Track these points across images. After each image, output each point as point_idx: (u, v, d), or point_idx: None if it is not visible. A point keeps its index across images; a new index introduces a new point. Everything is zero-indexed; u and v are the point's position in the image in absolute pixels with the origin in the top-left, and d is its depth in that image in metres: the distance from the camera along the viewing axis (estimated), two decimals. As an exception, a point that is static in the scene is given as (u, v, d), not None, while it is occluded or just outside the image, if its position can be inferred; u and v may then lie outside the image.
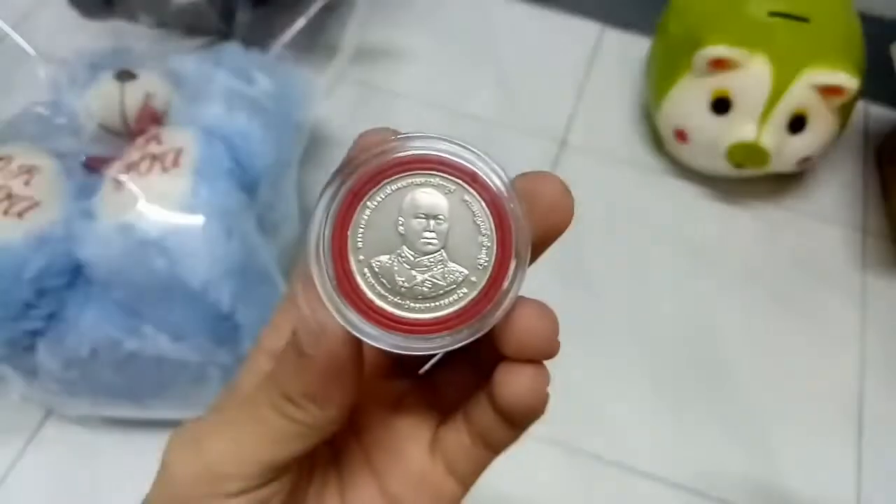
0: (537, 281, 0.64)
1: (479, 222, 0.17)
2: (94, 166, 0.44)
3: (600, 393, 0.52)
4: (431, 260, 0.17)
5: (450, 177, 0.17)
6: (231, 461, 0.17)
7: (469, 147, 0.17)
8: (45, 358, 0.41)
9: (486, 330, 0.17)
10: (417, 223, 0.16)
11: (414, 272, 0.16)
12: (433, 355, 0.20)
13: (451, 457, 0.20)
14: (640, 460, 0.49)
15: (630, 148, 0.65)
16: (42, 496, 0.46)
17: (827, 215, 0.63)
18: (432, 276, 0.17)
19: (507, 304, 0.17)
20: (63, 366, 0.41)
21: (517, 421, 0.19)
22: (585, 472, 0.49)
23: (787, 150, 0.57)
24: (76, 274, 0.41)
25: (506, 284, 0.17)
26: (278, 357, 0.18)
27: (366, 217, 0.16)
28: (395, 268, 0.16)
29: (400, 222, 0.16)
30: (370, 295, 0.16)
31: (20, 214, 0.40)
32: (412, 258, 0.17)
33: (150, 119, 0.46)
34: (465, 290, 0.17)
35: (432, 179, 0.17)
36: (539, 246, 0.18)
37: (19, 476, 0.46)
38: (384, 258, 0.16)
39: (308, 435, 0.18)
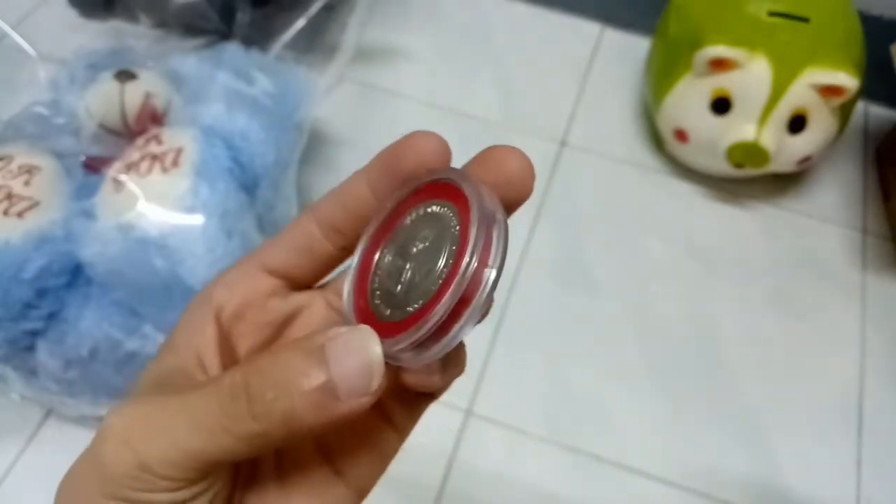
0: (537, 280, 0.63)
1: (453, 224, 0.17)
2: (94, 166, 0.44)
3: (601, 393, 0.52)
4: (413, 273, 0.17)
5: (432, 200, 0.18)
6: (162, 454, 0.16)
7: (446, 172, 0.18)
8: (45, 358, 0.41)
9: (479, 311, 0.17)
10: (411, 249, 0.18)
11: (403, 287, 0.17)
12: None
13: (386, 404, 0.19)
14: (640, 460, 0.49)
15: (630, 148, 0.65)
16: (42, 496, 0.46)
17: (827, 215, 0.63)
18: (420, 288, 0.17)
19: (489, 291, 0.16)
20: (63, 366, 0.41)
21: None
22: (585, 472, 0.49)
23: (787, 150, 0.57)
24: (76, 274, 0.41)
25: (485, 275, 0.16)
26: (272, 363, 0.16)
27: (376, 264, 0.18)
28: (396, 294, 0.17)
29: (399, 256, 0.18)
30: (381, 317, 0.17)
31: (20, 214, 0.40)
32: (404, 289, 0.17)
33: (150, 119, 0.46)
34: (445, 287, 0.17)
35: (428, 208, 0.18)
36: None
37: (19, 476, 0.46)
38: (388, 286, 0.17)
39: (256, 448, 0.16)
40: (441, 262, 0.17)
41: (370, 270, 0.18)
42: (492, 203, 0.17)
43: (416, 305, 0.17)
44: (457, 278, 0.16)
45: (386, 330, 0.16)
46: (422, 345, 0.16)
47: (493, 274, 0.16)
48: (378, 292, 0.18)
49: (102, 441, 0.17)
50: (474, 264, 0.16)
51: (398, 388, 0.19)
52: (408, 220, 0.18)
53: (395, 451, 0.19)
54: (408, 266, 0.17)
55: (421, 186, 0.18)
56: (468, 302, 0.16)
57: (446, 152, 0.18)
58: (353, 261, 0.18)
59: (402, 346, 0.16)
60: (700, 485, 0.49)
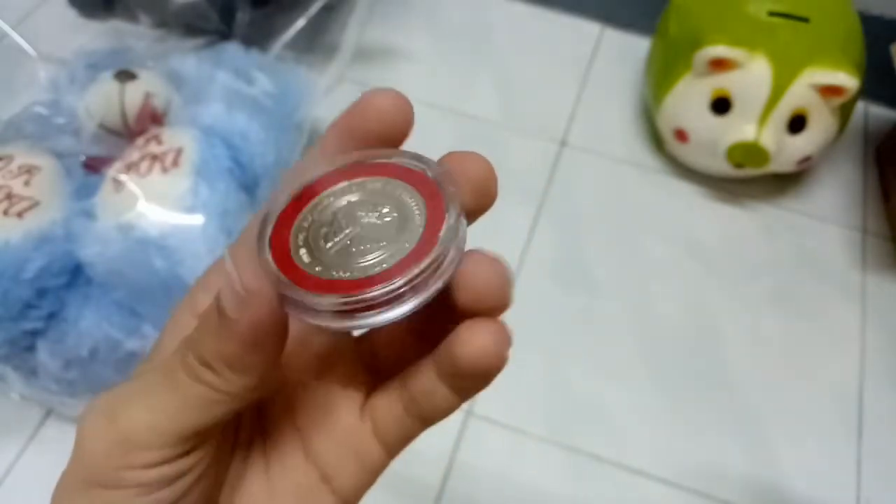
0: (537, 280, 0.63)
1: (408, 199, 0.18)
2: (94, 166, 0.44)
3: (600, 393, 0.52)
4: (367, 239, 0.17)
5: (378, 176, 0.18)
6: (145, 430, 0.16)
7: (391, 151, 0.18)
8: (45, 358, 0.41)
9: (433, 288, 0.17)
10: (349, 216, 0.18)
11: (353, 249, 0.17)
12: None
13: (380, 423, 0.19)
14: (639, 460, 0.49)
15: (630, 148, 0.65)
16: (42, 496, 0.46)
17: (827, 215, 0.63)
18: (370, 250, 0.17)
19: (452, 256, 0.17)
20: (63, 366, 0.41)
21: (468, 384, 0.18)
22: (585, 472, 0.49)
23: (787, 150, 0.57)
24: (76, 274, 0.41)
25: (441, 234, 0.17)
26: (199, 319, 0.17)
27: (310, 214, 0.18)
28: (334, 247, 0.17)
29: (338, 218, 0.18)
30: (304, 267, 0.17)
31: (20, 214, 0.40)
32: (348, 242, 0.17)
33: (150, 119, 0.46)
34: (407, 241, 0.17)
35: (368, 182, 0.18)
36: (468, 219, 0.18)
37: (19, 476, 0.46)
38: (322, 241, 0.17)
39: (225, 402, 0.17)
40: (400, 245, 0.17)
41: (301, 211, 0.18)
42: (461, 217, 0.17)
43: (349, 273, 0.17)
44: (423, 266, 0.16)
45: (312, 282, 0.17)
46: (355, 311, 0.16)
47: (440, 284, 0.16)
48: (303, 239, 0.17)
49: (82, 420, 0.17)
50: (445, 265, 0.16)
51: (399, 410, 0.19)
52: (363, 186, 0.18)
53: (382, 467, 0.19)
54: (349, 230, 0.17)
55: (384, 163, 0.18)
56: (417, 291, 0.16)
57: (407, 108, 0.18)
58: (285, 192, 0.18)
59: (334, 304, 0.16)
60: (700, 485, 0.49)
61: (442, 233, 0.17)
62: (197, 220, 0.40)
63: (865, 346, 0.55)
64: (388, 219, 0.17)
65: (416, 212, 0.17)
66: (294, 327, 0.17)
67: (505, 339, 0.17)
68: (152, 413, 0.17)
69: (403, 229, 0.17)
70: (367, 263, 0.17)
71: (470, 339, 0.17)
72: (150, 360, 0.19)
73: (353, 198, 0.18)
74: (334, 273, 0.17)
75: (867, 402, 0.53)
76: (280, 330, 0.17)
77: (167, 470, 0.17)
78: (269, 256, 0.17)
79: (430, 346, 0.18)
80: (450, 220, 0.17)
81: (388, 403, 0.19)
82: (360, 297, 0.16)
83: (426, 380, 0.18)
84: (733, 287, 0.58)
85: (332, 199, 0.18)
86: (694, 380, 0.53)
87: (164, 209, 0.40)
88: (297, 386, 0.20)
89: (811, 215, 0.62)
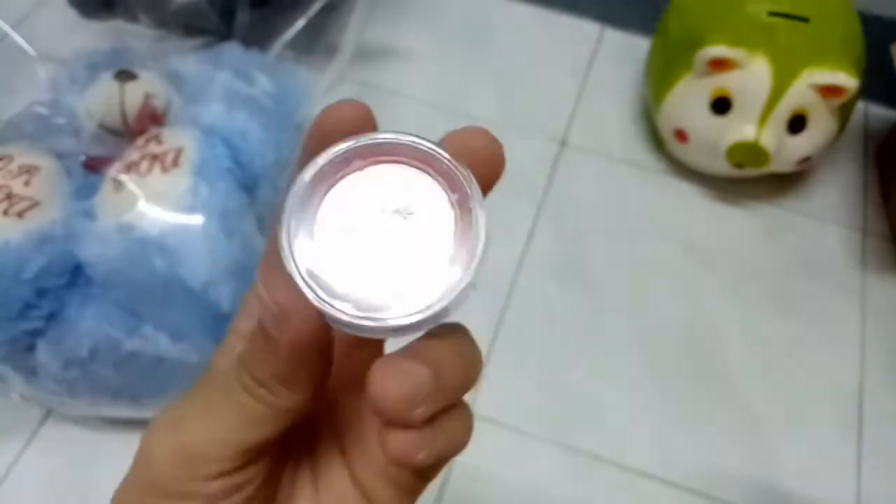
0: (537, 280, 0.63)
1: (429, 192, 0.17)
2: (94, 166, 0.44)
3: (600, 393, 0.52)
4: (396, 240, 0.17)
5: (405, 163, 0.17)
6: (208, 443, 0.17)
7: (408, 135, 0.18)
8: (45, 358, 0.41)
9: (456, 301, 0.16)
10: (374, 211, 0.17)
11: (379, 254, 0.17)
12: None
13: None
14: (640, 460, 0.49)
15: (630, 148, 0.65)
16: (42, 496, 0.46)
17: (827, 215, 0.63)
18: (399, 253, 0.17)
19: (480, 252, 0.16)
20: (63, 366, 0.41)
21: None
22: (585, 472, 0.49)
23: (787, 150, 0.57)
24: (76, 274, 0.41)
25: (474, 232, 0.16)
26: (248, 340, 0.18)
27: (332, 205, 0.17)
28: (360, 251, 0.17)
29: (365, 212, 0.17)
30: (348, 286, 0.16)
31: (20, 214, 0.40)
32: (374, 242, 0.17)
33: (150, 119, 0.46)
34: (434, 256, 0.17)
35: (395, 167, 0.17)
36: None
37: (19, 476, 0.46)
38: (350, 240, 0.17)
39: (280, 417, 0.18)
40: (434, 257, 0.16)
41: (321, 206, 0.17)
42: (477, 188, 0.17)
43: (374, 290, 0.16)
44: (457, 293, 0.16)
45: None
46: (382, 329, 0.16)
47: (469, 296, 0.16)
48: (329, 238, 0.17)
49: (148, 433, 0.18)
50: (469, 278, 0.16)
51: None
52: (384, 175, 0.17)
53: (418, 491, 0.20)
54: (373, 230, 0.17)
55: (384, 146, 0.17)
56: (448, 314, 0.16)
57: (369, 118, 0.18)
58: (301, 186, 0.17)
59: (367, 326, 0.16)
60: (700, 485, 0.49)
61: (475, 262, 0.16)
62: (197, 220, 0.40)
63: (865, 346, 0.55)
64: (415, 220, 0.17)
65: (445, 216, 0.17)
66: (339, 340, 0.17)
67: (409, 383, 0.16)
68: (215, 428, 0.18)
69: (431, 236, 0.17)
70: (392, 279, 0.16)
71: (371, 384, 0.16)
72: (203, 381, 0.19)
73: (376, 188, 0.17)
74: (357, 285, 0.16)
75: (867, 402, 0.53)
76: (323, 342, 0.17)
77: (227, 482, 0.18)
78: (294, 265, 0.16)
79: None
80: (480, 243, 0.16)
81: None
82: (387, 322, 0.16)
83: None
84: (733, 287, 0.58)
85: (353, 188, 0.17)
86: (694, 379, 0.53)
87: (164, 209, 0.40)
88: (342, 408, 0.21)
89: (811, 215, 0.62)
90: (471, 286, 0.16)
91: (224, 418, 0.18)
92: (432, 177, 0.17)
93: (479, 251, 0.16)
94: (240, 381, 0.17)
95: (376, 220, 0.17)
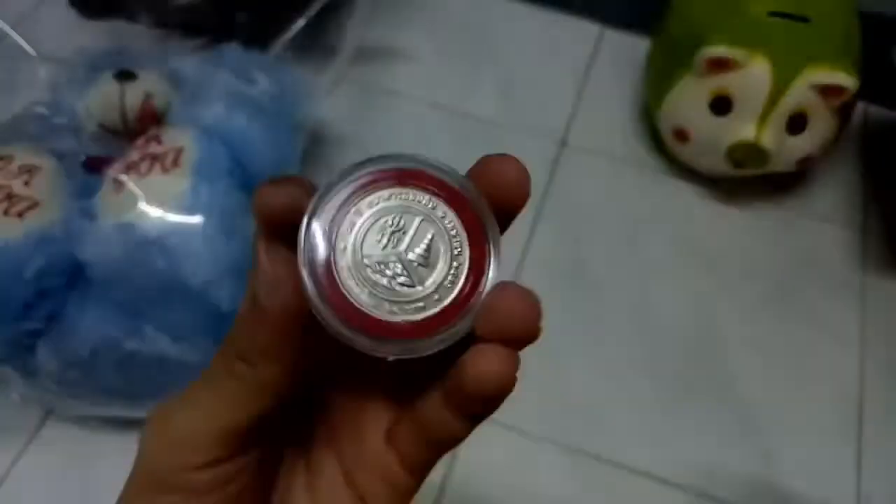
0: (537, 280, 0.63)
1: (448, 226, 0.18)
2: (94, 166, 0.44)
3: (600, 393, 0.52)
4: (407, 271, 0.17)
5: (416, 189, 0.18)
6: (191, 431, 0.18)
7: (423, 158, 0.18)
8: (45, 358, 0.41)
9: (466, 328, 0.17)
10: (391, 240, 0.17)
11: (392, 281, 0.17)
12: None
13: (402, 449, 0.20)
14: (640, 460, 0.49)
15: (630, 148, 0.65)
16: (42, 496, 0.46)
17: (827, 215, 0.63)
18: (410, 283, 0.17)
19: (485, 293, 0.17)
20: (63, 366, 0.41)
21: (474, 406, 0.18)
22: (585, 472, 0.49)
23: (787, 150, 0.57)
24: (76, 274, 0.41)
25: (484, 279, 0.17)
26: (236, 318, 0.18)
27: (361, 210, 0.17)
28: (374, 276, 0.17)
29: (388, 229, 0.17)
30: (353, 297, 0.17)
31: (20, 214, 0.40)
32: (390, 271, 0.17)
33: (150, 119, 0.46)
34: (444, 291, 0.17)
35: (403, 192, 0.18)
36: (500, 226, 0.18)
37: (19, 476, 0.46)
38: (365, 254, 0.17)
39: (259, 395, 0.18)
40: (455, 279, 0.17)
41: (350, 213, 0.17)
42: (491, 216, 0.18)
43: (432, 310, 0.17)
44: (456, 326, 0.17)
45: (347, 310, 0.17)
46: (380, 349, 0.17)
47: (468, 327, 0.17)
48: (352, 271, 0.17)
49: (143, 429, 0.19)
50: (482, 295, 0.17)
51: (414, 436, 0.19)
52: (390, 202, 0.17)
53: (411, 491, 0.20)
54: (399, 260, 0.17)
55: (396, 170, 0.18)
56: (444, 342, 0.17)
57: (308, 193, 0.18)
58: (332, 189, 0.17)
59: (366, 344, 0.17)
60: (700, 484, 0.49)
61: (482, 292, 0.17)
62: (197, 220, 0.40)
63: (865, 346, 0.55)
64: (429, 247, 0.17)
65: (457, 248, 0.17)
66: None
67: (512, 362, 0.17)
68: (194, 414, 0.18)
69: (438, 285, 0.17)
70: (401, 302, 0.17)
71: (476, 361, 0.17)
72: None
73: (416, 216, 0.18)
74: (370, 305, 0.17)
75: (867, 402, 0.53)
76: (308, 319, 0.17)
77: (217, 472, 0.18)
78: (306, 269, 0.17)
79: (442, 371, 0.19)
80: (490, 275, 0.17)
81: (406, 430, 0.20)
82: (389, 343, 0.17)
83: (433, 407, 0.19)
84: (733, 287, 0.58)
85: (399, 201, 0.18)
86: (694, 379, 0.53)
87: (164, 209, 0.40)
88: (337, 406, 0.21)
89: (811, 215, 0.62)
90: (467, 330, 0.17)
91: (205, 404, 0.18)
92: (457, 214, 0.18)
93: (480, 298, 0.17)
94: (222, 360, 0.18)
95: (392, 249, 0.17)
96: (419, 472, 0.20)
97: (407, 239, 0.17)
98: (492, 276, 0.17)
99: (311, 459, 0.21)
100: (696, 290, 0.58)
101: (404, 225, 0.17)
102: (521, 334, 0.17)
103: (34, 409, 0.48)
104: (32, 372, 0.42)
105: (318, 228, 0.17)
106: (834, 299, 0.58)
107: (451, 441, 0.19)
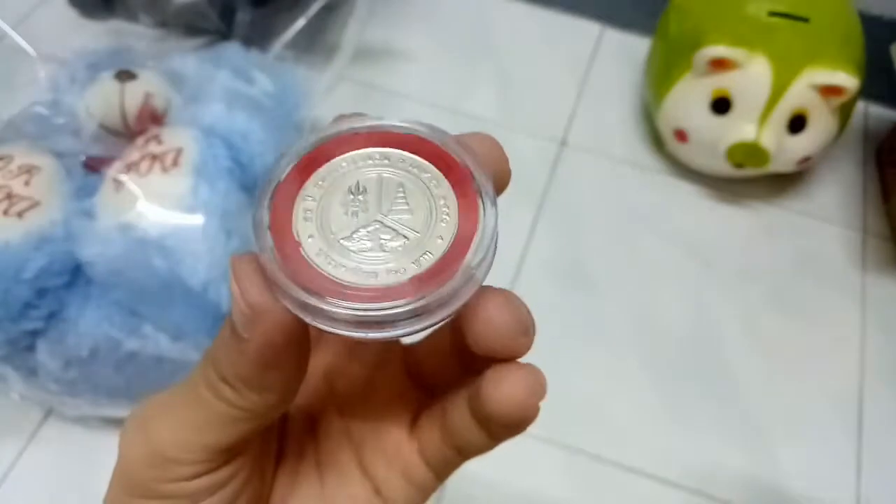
0: (537, 280, 0.63)
1: (430, 184, 0.16)
2: (94, 166, 0.44)
3: (600, 393, 0.52)
4: (387, 230, 0.15)
5: (389, 148, 0.16)
6: (174, 445, 0.16)
7: (405, 122, 0.16)
8: (45, 358, 0.41)
9: (458, 305, 0.15)
10: (361, 197, 0.16)
11: (367, 243, 0.15)
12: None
13: (425, 445, 0.19)
14: (640, 460, 0.49)
15: (630, 148, 0.65)
16: (42, 496, 0.46)
17: (827, 215, 0.63)
18: (389, 246, 0.15)
19: (486, 219, 0.15)
20: (63, 366, 0.41)
21: (499, 431, 0.17)
22: (585, 472, 0.49)
23: (787, 150, 0.57)
24: (76, 274, 0.41)
25: (480, 203, 0.15)
26: (217, 336, 0.16)
27: (312, 193, 0.16)
28: (347, 243, 0.15)
29: (349, 198, 0.16)
30: (320, 269, 0.15)
31: (20, 214, 0.40)
32: (364, 232, 0.15)
33: (150, 119, 0.46)
34: (441, 230, 0.15)
35: (373, 153, 0.16)
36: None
37: (19, 476, 0.46)
38: (335, 232, 0.15)
39: (247, 419, 0.16)
40: (428, 246, 0.15)
41: (307, 182, 0.16)
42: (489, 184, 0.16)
43: (365, 275, 0.15)
44: (453, 285, 0.14)
45: (325, 285, 0.14)
46: (370, 324, 0.14)
47: (467, 299, 0.15)
48: (311, 222, 0.15)
49: (122, 433, 0.17)
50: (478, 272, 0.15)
51: (438, 437, 0.18)
52: (367, 161, 0.16)
53: (431, 487, 0.19)
54: (367, 214, 0.15)
55: (381, 130, 0.16)
56: (443, 306, 0.15)
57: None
58: (288, 158, 0.16)
59: (351, 315, 0.14)
60: (700, 485, 0.49)
61: (474, 248, 0.15)
62: (197, 220, 0.40)
63: (865, 346, 0.55)
64: (413, 206, 0.15)
65: (445, 207, 0.15)
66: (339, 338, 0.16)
67: (537, 388, 0.16)
68: (178, 428, 0.16)
69: (429, 226, 0.15)
70: (387, 266, 0.15)
71: (497, 387, 0.16)
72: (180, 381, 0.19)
73: (371, 172, 0.16)
74: (349, 275, 0.15)
75: (867, 402, 0.53)
76: (297, 346, 0.16)
77: (207, 481, 0.17)
78: (271, 255, 0.15)
79: (473, 365, 0.18)
80: (484, 230, 0.15)
81: (430, 428, 0.19)
82: (378, 310, 0.14)
83: (460, 415, 0.17)
84: (733, 287, 0.58)
85: (346, 168, 0.16)
86: (694, 379, 0.53)
87: (164, 209, 0.40)
88: (350, 397, 0.20)
89: (811, 215, 0.62)
90: (472, 281, 0.15)
91: (188, 417, 0.16)
92: (410, 151, 0.16)
93: (484, 249, 0.15)
94: (205, 378, 0.16)
95: (372, 201, 0.16)
96: (441, 470, 0.19)
97: (372, 197, 0.15)
98: (487, 198, 0.15)
99: (323, 456, 0.20)
100: (696, 289, 0.58)
101: (364, 187, 0.16)
102: (508, 350, 0.16)
103: (34, 409, 0.48)
104: (32, 371, 0.42)
105: (277, 241, 0.15)
106: (834, 299, 0.58)
107: (475, 452, 0.18)
